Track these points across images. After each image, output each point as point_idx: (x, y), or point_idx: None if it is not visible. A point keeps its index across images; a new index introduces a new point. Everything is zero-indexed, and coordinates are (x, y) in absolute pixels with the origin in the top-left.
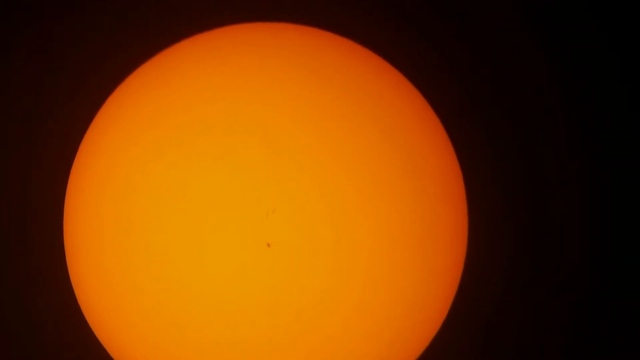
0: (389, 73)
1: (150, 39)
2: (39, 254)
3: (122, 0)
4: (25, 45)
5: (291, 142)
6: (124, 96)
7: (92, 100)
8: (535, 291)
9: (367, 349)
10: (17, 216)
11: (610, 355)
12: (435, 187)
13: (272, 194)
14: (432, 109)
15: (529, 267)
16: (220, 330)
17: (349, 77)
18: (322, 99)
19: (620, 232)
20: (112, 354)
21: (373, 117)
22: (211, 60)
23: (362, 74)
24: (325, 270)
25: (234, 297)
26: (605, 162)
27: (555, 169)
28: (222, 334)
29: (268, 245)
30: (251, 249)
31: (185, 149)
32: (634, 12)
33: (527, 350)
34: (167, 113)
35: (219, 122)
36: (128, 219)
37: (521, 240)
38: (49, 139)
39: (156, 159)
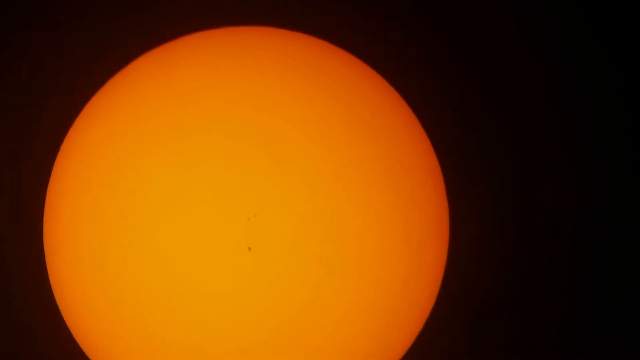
0: (373, 78)
1: (139, 38)
2: (19, 254)
3: None
4: (11, 43)
5: (272, 146)
6: (110, 94)
7: (76, 98)
8: (521, 284)
9: (352, 348)
10: None
11: (601, 349)
12: (417, 186)
13: (254, 198)
14: (413, 111)
15: (513, 260)
16: (200, 334)
17: (335, 81)
18: (307, 102)
19: (611, 227)
20: (89, 356)
21: (356, 119)
22: (198, 61)
23: (346, 77)
24: (307, 273)
25: (215, 300)
26: (594, 157)
27: (541, 165)
28: (202, 338)
29: (249, 249)
30: (232, 253)
31: (166, 151)
32: (631, 15)
33: (515, 342)
34: (149, 114)
35: (201, 124)
36: (107, 221)
37: (504, 231)
38: (32, 136)
39: (137, 160)
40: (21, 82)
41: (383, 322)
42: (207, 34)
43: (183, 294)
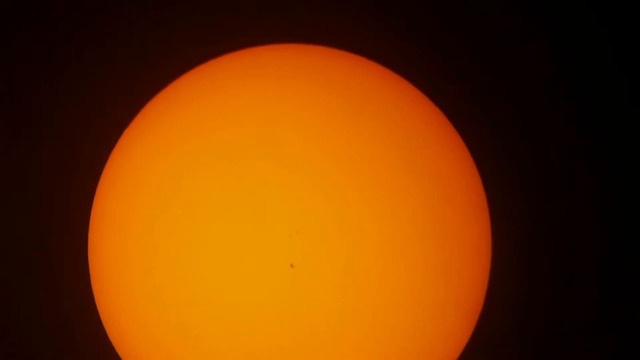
0: (409, 92)
1: (175, 60)
2: (64, 266)
3: (156, 18)
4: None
5: (317, 165)
6: (152, 114)
7: (118, 120)
8: (558, 309)
9: None
10: (44, 227)
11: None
12: (459, 204)
13: (296, 216)
14: (455, 127)
15: (551, 286)
16: (243, 349)
17: (371, 98)
18: (345, 121)
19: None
20: None
21: (395, 138)
22: (238, 80)
23: (382, 94)
24: (348, 291)
25: (258, 317)
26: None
27: (574, 178)
28: (245, 353)
29: (291, 266)
30: (274, 270)
31: (210, 170)
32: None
33: None
34: (193, 133)
35: (243, 143)
36: (153, 236)
37: (543, 260)
38: (77, 152)
39: (181, 178)
40: (68, 100)
41: (426, 339)
42: (247, 52)
43: (226, 309)
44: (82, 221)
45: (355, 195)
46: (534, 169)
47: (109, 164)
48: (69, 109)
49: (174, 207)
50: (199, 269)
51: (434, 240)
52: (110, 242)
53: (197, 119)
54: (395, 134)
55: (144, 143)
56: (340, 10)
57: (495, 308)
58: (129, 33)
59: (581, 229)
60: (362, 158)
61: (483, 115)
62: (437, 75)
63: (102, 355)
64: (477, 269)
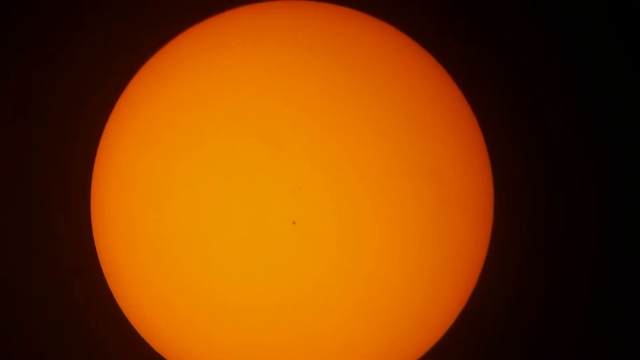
0: (413, 50)
1: (173, 20)
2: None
3: None
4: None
5: (318, 122)
6: (153, 75)
7: (117, 82)
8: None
9: (384, 326)
10: (44, 200)
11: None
12: (461, 161)
13: (299, 172)
14: (454, 81)
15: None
16: (246, 304)
17: (379, 60)
18: (346, 77)
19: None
20: (136, 327)
21: (396, 94)
22: (241, 37)
23: (385, 50)
24: (348, 248)
25: (260, 271)
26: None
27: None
28: (248, 307)
29: (293, 222)
30: (277, 226)
31: (214, 129)
32: None
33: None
34: (199, 90)
35: (247, 98)
36: (158, 192)
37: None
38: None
39: (185, 137)
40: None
41: (423, 298)
42: (250, 8)
43: (230, 266)
44: (85, 183)
45: (356, 151)
46: (534, 126)
47: (114, 114)
48: (72, 64)
49: (178, 164)
50: (203, 225)
51: (435, 195)
52: (113, 198)
53: (200, 76)
54: (396, 90)
55: (148, 103)
56: None
57: (496, 268)
58: None
59: (584, 197)
60: (363, 113)
61: (484, 72)
62: (439, 31)
63: (105, 312)
64: (479, 224)
